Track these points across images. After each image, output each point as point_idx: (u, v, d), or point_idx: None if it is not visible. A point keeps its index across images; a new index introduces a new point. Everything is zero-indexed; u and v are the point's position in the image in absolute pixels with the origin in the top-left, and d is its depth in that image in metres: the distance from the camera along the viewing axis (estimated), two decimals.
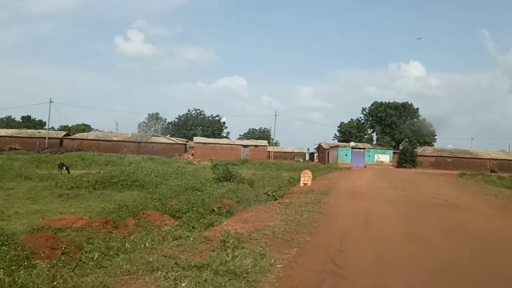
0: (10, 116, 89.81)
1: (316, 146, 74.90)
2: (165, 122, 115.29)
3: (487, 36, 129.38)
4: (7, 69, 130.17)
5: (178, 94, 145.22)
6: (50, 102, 59.78)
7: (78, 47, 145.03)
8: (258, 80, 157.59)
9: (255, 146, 65.27)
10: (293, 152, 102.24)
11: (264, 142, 69.17)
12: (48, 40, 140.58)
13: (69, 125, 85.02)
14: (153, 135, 63.52)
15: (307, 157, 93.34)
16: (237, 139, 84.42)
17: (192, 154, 60.18)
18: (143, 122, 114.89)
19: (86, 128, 77.19)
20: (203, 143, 63.10)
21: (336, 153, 60.47)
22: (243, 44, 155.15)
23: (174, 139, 66.43)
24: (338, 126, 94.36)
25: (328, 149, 64.80)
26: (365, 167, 59.53)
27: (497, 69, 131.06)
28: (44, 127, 77.75)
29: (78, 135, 61.98)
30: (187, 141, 66.50)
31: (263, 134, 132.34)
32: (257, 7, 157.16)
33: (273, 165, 43.14)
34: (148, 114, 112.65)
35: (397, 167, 62.52)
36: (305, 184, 17.86)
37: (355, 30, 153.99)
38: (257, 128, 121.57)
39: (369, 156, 60.76)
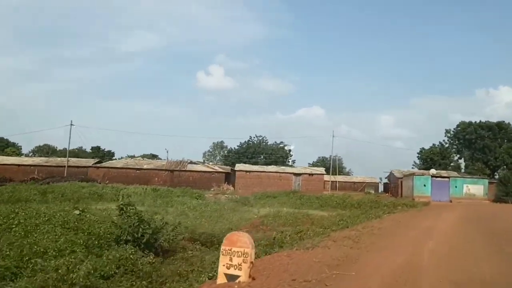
0: (81, 147, 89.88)
1: (387, 174, 61.77)
2: (226, 149, 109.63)
3: None
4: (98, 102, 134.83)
5: (256, 124, 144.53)
6: (71, 125, 53.75)
7: (162, 81, 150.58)
8: (336, 109, 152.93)
9: (309, 174, 54.15)
10: (364, 182, 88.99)
11: (321, 170, 57.68)
12: (136, 77, 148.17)
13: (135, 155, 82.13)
14: (190, 162, 54.93)
15: (381, 188, 79.94)
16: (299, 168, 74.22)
17: (231, 185, 50.62)
18: (208, 150, 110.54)
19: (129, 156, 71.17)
20: (246, 171, 53.30)
21: (412, 183, 47.48)
22: (320, 74, 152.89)
23: (214, 167, 57.35)
24: (418, 153, 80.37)
25: (401, 178, 51.87)
26: (450, 201, 45.82)
27: None
28: (113, 158, 75.63)
29: (106, 163, 55.21)
30: (231, 169, 57.13)
31: (334, 163, 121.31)
32: (334, 35, 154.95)
33: (316, 199, 32.02)
34: (213, 143, 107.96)
35: (494, 201, 47.89)
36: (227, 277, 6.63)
37: (436, 56, 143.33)
38: (327, 156, 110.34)
39: (456, 187, 46.95)
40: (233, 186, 51.36)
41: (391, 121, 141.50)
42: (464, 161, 72.43)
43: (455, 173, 53.72)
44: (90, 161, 56.75)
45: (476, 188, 46.89)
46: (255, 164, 63.97)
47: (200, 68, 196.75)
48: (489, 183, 48.47)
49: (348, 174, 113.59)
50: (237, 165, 56.41)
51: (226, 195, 34.90)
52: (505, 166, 66.39)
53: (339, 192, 74.87)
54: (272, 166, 58.51)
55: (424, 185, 46.73)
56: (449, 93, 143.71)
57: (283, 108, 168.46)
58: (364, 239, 10.53)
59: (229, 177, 55.11)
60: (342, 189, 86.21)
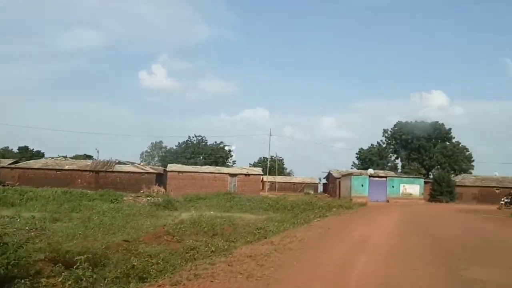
0: (7, 147, 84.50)
1: (325, 175, 60.73)
2: (165, 150, 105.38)
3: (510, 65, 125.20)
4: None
5: (199, 125, 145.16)
6: None
7: (103, 80, 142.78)
8: (280, 111, 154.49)
9: (246, 175, 51.62)
10: (303, 183, 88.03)
11: (258, 170, 55.38)
12: (76, 76, 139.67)
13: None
14: (118, 163, 50.63)
15: (320, 189, 79.19)
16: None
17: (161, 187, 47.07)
18: (146, 151, 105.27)
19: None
20: (178, 172, 49.87)
21: (350, 183, 46.34)
22: (265, 76, 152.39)
23: (144, 167, 53.43)
24: (356, 153, 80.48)
25: (339, 178, 50.71)
26: (387, 201, 45.10)
27: None
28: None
29: (22, 164, 49.68)
30: (164, 170, 53.41)
31: (275, 164, 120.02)
32: (279, 39, 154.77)
33: (247, 201, 29.40)
34: (151, 143, 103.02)
35: (429, 200, 47.86)
36: None
37: (375, 61, 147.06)
38: (268, 157, 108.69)
39: (393, 187, 46.36)
40: (165, 187, 47.85)
41: (333, 123, 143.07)
42: (401, 161, 73.21)
43: (392, 173, 53.47)
44: (5, 161, 50.90)
45: (413, 187, 46.55)
46: (194, 165, 60.63)
47: (143, 67, 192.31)
48: (425, 182, 48.36)
49: (289, 174, 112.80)
50: (169, 165, 52.76)
51: (148, 198, 31.42)
52: (439, 166, 67.60)
53: (279, 193, 73.13)
54: (207, 166, 55.47)
55: (362, 185, 45.72)
56: (387, 96, 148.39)
57: (227, 109, 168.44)
58: (273, 259, 7.96)
59: (161, 178, 51.45)
60: (282, 190, 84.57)
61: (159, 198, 31.29)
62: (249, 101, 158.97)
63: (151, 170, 51.96)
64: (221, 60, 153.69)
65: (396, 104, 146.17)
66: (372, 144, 79.98)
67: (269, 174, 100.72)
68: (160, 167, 57.65)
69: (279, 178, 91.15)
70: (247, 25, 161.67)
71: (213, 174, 51.88)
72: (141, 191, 43.34)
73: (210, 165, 59.82)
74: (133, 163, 53.15)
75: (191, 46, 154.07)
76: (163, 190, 46.34)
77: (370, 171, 50.35)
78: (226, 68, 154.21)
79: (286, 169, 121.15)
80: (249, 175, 52.03)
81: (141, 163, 63.93)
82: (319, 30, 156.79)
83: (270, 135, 52.63)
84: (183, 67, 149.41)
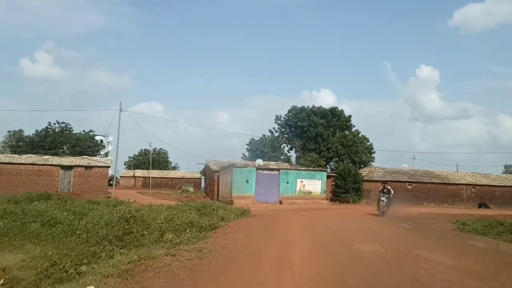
0: None
1: (203, 167, 47.12)
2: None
3: (389, 67, 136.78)
4: None
5: (93, 118, 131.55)
6: None
7: None
8: (174, 105, 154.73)
9: (86, 167, 35.94)
10: (183, 178, 73.71)
11: (105, 161, 39.98)
12: None
13: None
14: None
15: (203, 184, 65.74)
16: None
17: None
18: (3, 140, 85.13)
19: None
20: None
21: (230, 179, 33.30)
22: (160, 69, 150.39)
23: None
24: (247, 144, 68.62)
25: (218, 171, 37.52)
26: (280, 203, 32.94)
27: (399, 98, 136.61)
28: None
29: None
30: None
31: (158, 156, 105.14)
32: (174, 33, 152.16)
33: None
34: (8, 131, 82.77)
35: (331, 200, 36.90)
36: None
37: (271, 59, 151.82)
38: (151, 150, 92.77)
39: (288, 182, 34.34)
40: None
41: (228, 118, 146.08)
42: (295, 152, 62.53)
43: (287, 165, 41.71)
44: None
45: (313, 184, 34.96)
46: (54, 155, 43.21)
47: (26, 55, 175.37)
48: (327, 177, 37.30)
49: (174, 168, 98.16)
50: None
51: None
52: (337, 158, 58.09)
53: (151, 191, 57.99)
54: (29, 155, 38.46)
55: (247, 181, 32.95)
56: (280, 93, 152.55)
57: (118, 102, 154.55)
58: None
59: None
60: (157, 187, 69.71)
61: None
62: (144, 94, 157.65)
63: None
64: (114, 51, 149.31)
65: (288, 101, 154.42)
66: (264, 135, 68.64)
67: (153, 168, 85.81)
68: None
69: (154, 173, 75.86)
70: (143, 17, 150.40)
71: (37, 166, 35.47)
72: None
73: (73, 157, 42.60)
74: None
75: (81, 35, 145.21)
76: None
77: (259, 161, 37.95)
78: (119, 60, 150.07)
79: (171, 163, 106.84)
80: (91, 167, 36.39)
81: None
82: (217, 25, 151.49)
83: (121, 110, 37.21)
84: (71, 56, 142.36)
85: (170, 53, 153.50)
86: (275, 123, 64.51)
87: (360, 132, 63.22)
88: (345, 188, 37.74)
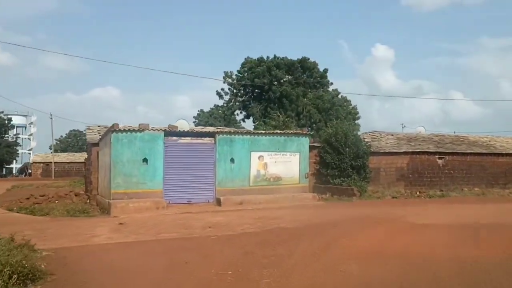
0: None
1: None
2: None
3: (346, 47, 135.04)
4: None
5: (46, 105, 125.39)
6: None
7: None
8: (132, 90, 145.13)
9: None
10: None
11: None
12: None
13: None
14: None
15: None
16: None
17: None
18: None
19: None
20: None
21: (109, 158, 15.44)
22: (116, 53, 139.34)
23: None
24: (194, 118, 51.53)
25: (96, 143, 19.44)
26: (218, 203, 15.23)
27: (357, 78, 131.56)
28: None
29: None
30: None
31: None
32: (132, 14, 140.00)
33: None
34: None
35: (318, 189, 19.78)
36: None
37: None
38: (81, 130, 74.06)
39: (234, 160, 16.82)
40: None
41: (188, 101, 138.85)
42: (254, 120, 44.97)
43: (233, 129, 23.84)
44: None
45: (284, 160, 17.70)
46: None
47: None
48: (311, 146, 20.20)
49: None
50: None
51: None
52: (310, 126, 40.87)
53: (45, 181, 39.60)
54: None
55: (145, 160, 15.25)
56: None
57: (74, 88, 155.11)
58: None
59: None
60: (66, 175, 51.09)
61: None
62: (100, 79, 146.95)
63: None
64: (68, 35, 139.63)
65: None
66: (216, 105, 50.99)
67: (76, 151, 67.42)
68: None
69: (62, 157, 56.46)
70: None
71: None
72: None
73: None
74: None
75: (31, 18, 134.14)
76: None
77: (181, 123, 20.19)
78: (73, 44, 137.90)
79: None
80: None
81: None
82: (171, 5, 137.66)
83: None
84: (20, 41, 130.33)
85: (126, 36, 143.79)
86: (224, 82, 46.56)
87: (340, 93, 46.55)
88: (340, 167, 20.55)
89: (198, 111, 53.51)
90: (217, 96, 47.87)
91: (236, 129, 19.37)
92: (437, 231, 9.65)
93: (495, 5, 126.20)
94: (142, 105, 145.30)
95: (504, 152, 26.18)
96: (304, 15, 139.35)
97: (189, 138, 16.52)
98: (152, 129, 15.86)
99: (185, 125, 20.49)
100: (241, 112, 47.41)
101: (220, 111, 49.48)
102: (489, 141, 28.32)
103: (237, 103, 47.29)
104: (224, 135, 17.12)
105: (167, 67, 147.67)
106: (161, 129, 16.03)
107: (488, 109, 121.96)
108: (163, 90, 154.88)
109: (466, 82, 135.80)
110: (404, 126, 57.10)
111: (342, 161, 20.62)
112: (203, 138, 16.77)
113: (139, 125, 15.89)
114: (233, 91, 47.35)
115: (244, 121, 47.65)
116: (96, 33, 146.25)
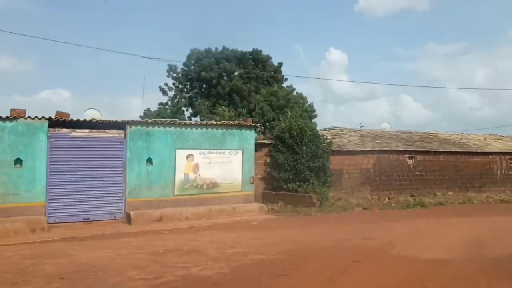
0: None
1: None
2: None
3: (301, 50, 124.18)
4: None
5: None
6: None
7: None
8: (84, 92, 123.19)
9: None
10: None
11: None
12: None
13: None
14: None
15: None
16: None
17: None
18: None
19: None
20: None
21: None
22: (66, 53, 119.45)
23: None
24: (140, 116, 45.27)
25: None
26: (128, 221, 10.52)
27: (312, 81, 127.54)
28: None
29: None
30: None
31: None
32: (83, 13, 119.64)
33: None
34: None
35: (267, 197, 15.65)
36: None
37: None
38: None
39: (151, 160, 12.38)
40: None
41: (140, 104, 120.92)
42: (201, 117, 40.32)
43: (154, 120, 19.32)
44: None
45: (222, 160, 13.27)
46: None
47: None
48: (262, 144, 16.03)
49: None
50: None
51: None
52: (263, 125, 36.59)
53: None
54: None
55: (18, 161, 10.31)
56: None
57: (21, 90, 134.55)
58: None
59: None
60: None
61: None
62: (48, 81, 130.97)
63: None
64: (13, 34, 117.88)
65: None
66: (160, 103, 45.37)
67: None
68: None
69: None
70: None
71: None
72: None
73: None
74: None
75: None
76: None
77: (91, 113, 15.48)
78: (19, 43, 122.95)
79: None
80: None
81: None
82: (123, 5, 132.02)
83: None
84: None
85: (77, 35, 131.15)
86: (168, 76, 41.66)
87: (295, 89, 42.72)
88: (295, 169, 16.46)
89: (145, 110, 47.79)
90: (161, 92, 42.76)
91: (155, 119, 14.78)
92: (463, 272, 5.59)
93: (442, 12, 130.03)
94: (94, 108, 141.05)
95: (479, 151, 23.04)
96: (260, 15, 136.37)
97: (88, 130, 11.85)
98: (29, 117, 11.07)
99: (97, 116, 15.72)
100: (187, 110, 42.62)
101: (168, 110, 44.38)
102: (461, 139, 25.21)
103: (183, 100, 42.46)
104: (139, 127, 12.58)
105: (121, 69, 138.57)
106: (43, 117, 11.25)
107: (436, 113, 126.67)
108: (117, 92, 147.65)
109: (416, 86, 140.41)
110: (362, 126, 54.07)
111: (298, 161, 16.49)
112: (108, 131, 12.15)
113: (10, 110, 11.05)
114: (178, 86, 42.51)
115: (191, 119, 42.86)
116: (44, 31, 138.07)
